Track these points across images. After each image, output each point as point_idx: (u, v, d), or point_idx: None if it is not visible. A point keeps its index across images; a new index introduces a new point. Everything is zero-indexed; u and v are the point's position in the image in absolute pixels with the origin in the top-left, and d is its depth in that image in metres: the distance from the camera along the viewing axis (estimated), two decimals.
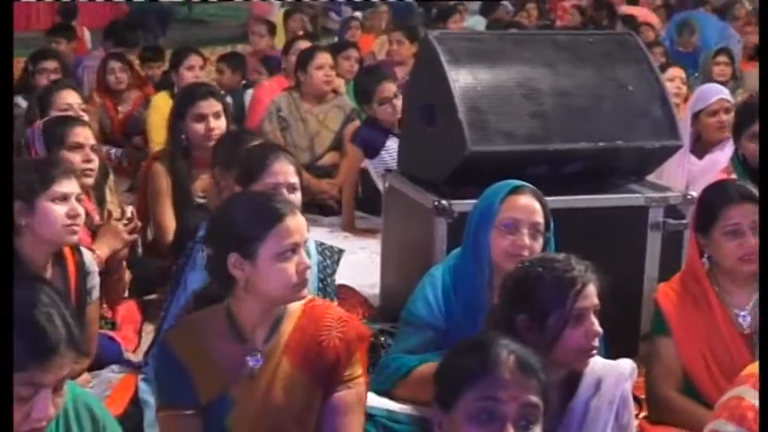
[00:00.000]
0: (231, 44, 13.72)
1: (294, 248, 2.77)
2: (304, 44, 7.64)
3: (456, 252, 3.63)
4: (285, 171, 3.63)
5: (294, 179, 3.64)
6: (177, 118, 4.95)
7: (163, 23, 14.81)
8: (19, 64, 12.08)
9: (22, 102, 6.68)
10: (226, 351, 2.80)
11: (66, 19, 11.33)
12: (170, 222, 4.81)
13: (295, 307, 2.87)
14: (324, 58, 6.89)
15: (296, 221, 2.79)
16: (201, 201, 4.76)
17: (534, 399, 2.23)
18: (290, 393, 2.80)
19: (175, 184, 4.86)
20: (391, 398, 3.42)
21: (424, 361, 3.38)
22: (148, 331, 4.33)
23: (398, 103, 5.97)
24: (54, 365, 2.03)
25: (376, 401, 3.34)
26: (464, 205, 4.01)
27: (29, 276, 2.37)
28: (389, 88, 6.18)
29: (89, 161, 4.21)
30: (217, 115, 4.89)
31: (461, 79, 4.25)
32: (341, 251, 3.82)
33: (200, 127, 4.86)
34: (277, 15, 14.13)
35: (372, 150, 6.20)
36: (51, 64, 6.82)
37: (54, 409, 2.08)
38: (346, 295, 4.44)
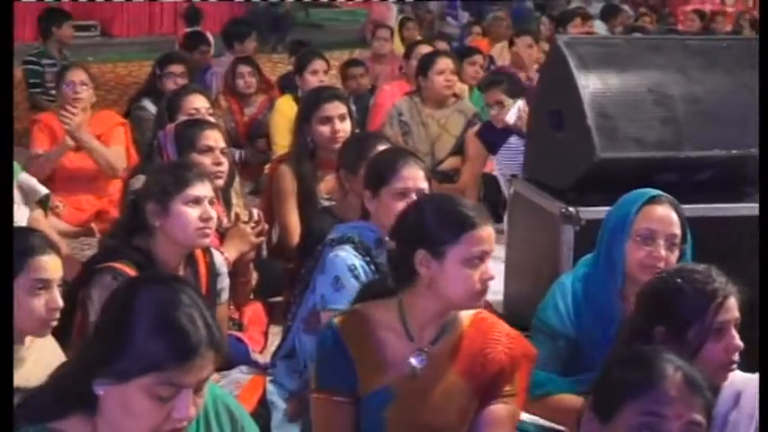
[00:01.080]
0: (348, 48, 13.80)
1: (482, 257, 2.77)
2: (425, 48, 7.63)
3: (586, 260, 3.57)
4: (415, 176, 3.61)
5: (423, 184, 3.62)
6: (303, 121, 4.99)
7: (281, 28, 14.96)
8: (144, 67, 12.46)
9: (149, 105, 6.82)
10: (392, 346, 2.83)
11: (192, 24, 11.50)
12: (295, 224, 4.85)
13: (465, 315, 2.88)
14: (445, 62, 6.87)
15: (488, 231, 2.79)
16: (326, 203, 4.79)
17: (699, 417, 2.18)
18: (449, 398, 2.82)
19: (301, 186, 4.90)
20: None
21: (558, 386, 3.35)
22: (274, 333, 4.37)
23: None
24: (195, 366, 2.04)
25: None
26: (592, 212, 3.97)
27: (170, 277, 2.39)
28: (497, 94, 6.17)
29: (219, 164, 4.25)
30: (342, 118, 4.92)
31: (591, 85, 4.20)
32: None
33: (325, 129, 4.89)
34: (394, 19, 14.22)
35: (494, 146, 6.17)
36: (178, 68, 6.90)
37: (195, 409, 2.09)
38: None
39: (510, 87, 6.17)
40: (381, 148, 4.09)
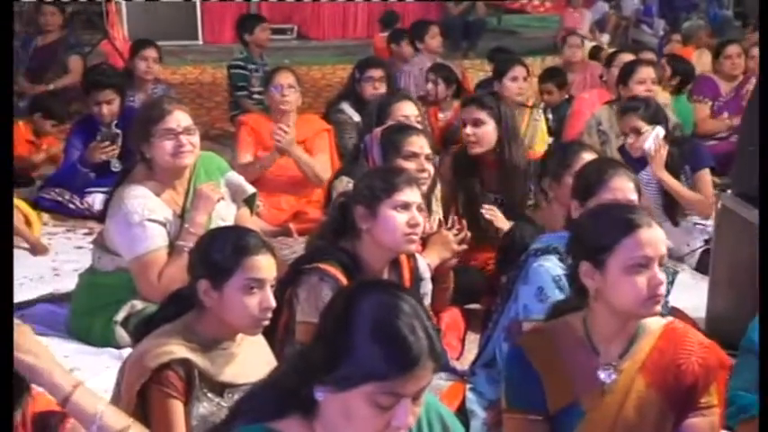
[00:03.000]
0: (540, 55, 13.70)
1: (646, 263, 2.69)
2: (627, 57, 7.48)
3: None
4: (624, 188, 3.54)
5: (633, 196, 3.55)
6: None
7: (473, 34, 14.95)
8: (338, 71, 12.67)
9: (347, 108, 6.92)
10: (579, 361, 2.78)
11: (387, 26, 11.59)
12: None
13: (654, 326, 2.81)
14: (646, 72, 6.73)
15: (650, 234, 2.71)
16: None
17: None
18: (642, 413, 2.75)
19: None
20: None
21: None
22: (471, 340, 4.35)
23: None
24: (415, 376, 2.02)
25: None
26: None
27: (391, 284, 2.39)
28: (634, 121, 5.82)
29: (423, 170, 4.28)
30: (475, 123, 4.99)
31: None
32: (676, 272, 3.72)
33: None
34: (587, 26, 14.03)
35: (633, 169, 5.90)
36: (377, 72, 6.98)
37: (413, 418, 2.08)
38: (677, 317, 4.29)
39: (647, 113, 5.70)
40: (587, 156, 4.04)
